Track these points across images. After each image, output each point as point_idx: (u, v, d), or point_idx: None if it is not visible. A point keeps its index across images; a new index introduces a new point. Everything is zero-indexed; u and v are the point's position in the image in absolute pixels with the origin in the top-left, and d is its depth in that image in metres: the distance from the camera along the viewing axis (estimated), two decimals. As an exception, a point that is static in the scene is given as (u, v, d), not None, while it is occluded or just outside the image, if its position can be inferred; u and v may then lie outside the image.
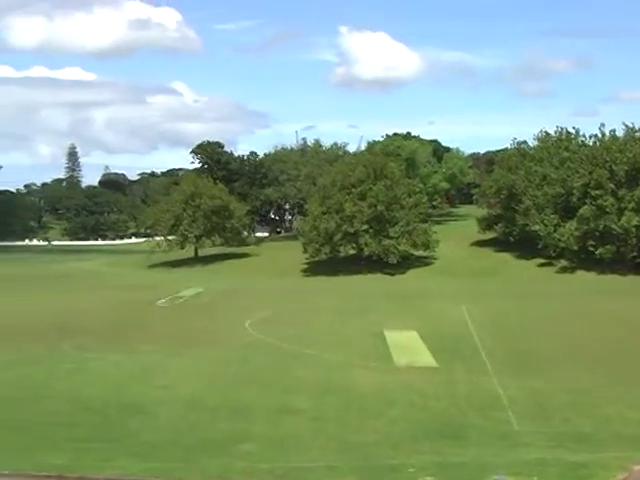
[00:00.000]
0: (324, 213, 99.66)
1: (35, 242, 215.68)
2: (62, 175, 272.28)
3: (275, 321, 57.07)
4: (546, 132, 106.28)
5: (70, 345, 46.31)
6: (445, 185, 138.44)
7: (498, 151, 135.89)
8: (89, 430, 27.94)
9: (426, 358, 41.60)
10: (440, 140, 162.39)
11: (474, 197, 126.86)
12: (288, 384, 35.41)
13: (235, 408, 31.00)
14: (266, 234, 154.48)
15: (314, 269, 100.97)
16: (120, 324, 56.43)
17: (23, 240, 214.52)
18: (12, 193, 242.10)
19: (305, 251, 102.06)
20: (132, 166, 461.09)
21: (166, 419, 29.59)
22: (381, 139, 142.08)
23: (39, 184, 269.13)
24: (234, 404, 31.67)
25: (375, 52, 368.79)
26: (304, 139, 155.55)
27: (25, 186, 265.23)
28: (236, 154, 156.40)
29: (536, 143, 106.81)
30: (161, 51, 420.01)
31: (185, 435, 27.27)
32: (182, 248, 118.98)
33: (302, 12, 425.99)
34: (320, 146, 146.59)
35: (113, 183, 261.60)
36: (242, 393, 33.63)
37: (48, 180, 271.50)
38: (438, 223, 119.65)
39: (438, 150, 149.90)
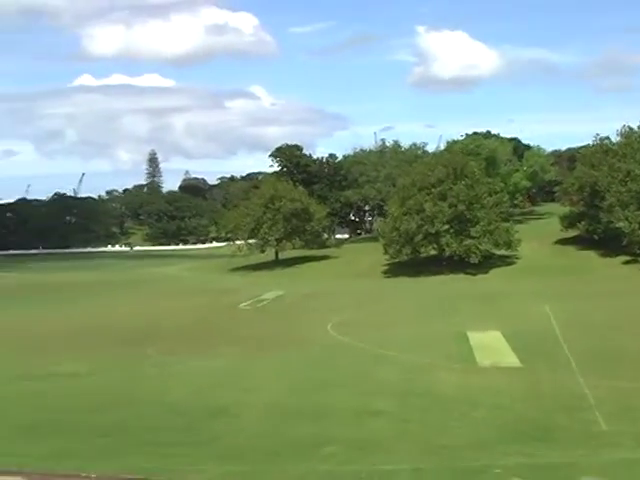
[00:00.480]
0: (404, 214, 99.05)
1: (117, 248, 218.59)
2: (143, 181, 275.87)
3: (357, 323, 56.93)
4: (629, 127, 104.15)
5: (154, 350, 46.75)
6: (526, 183, 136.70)
7: (580, 148, 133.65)
8: (174, 434, 28.13)
9: (510, 358, 41.06)
10: (520, 138, 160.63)
11: (556, 195, 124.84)
12: (371, 386, 35.24)
13: (318, 411, 30.93)
14: (346, 236, 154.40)
15: (395, 270, 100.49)
16: (203, 328, 56.83)
17: (105, 246, 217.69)
18: (94, 200, 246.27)
19: (385, 252, 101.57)
20: (211, 171, 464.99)
21: (249, 422, 29.65)
22: (460, 138, 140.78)
23: (121, 190, 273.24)
24: (316, 407, 31.60)
25: (453, 51, 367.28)
26: (383, 140, 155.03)
27: (107, 192, 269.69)
28: (315, 157, 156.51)
29: (619, 139, 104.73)
30: (238, 56, 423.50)
31: (268, 438, 27.27)
32: (262, 252, 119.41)
33: (378, 13, 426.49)
34: (399, 147, 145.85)
35: (193, 188, 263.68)
36: (324, 396, 33.53)
37: (129, 186, 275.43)
38: (520, 222, 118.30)
39: (518, 148, 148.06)
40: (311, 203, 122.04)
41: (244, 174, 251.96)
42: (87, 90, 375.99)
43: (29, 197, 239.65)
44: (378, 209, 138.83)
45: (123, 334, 53.74)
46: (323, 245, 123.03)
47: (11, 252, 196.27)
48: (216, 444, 26.71)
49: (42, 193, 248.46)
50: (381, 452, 25.15)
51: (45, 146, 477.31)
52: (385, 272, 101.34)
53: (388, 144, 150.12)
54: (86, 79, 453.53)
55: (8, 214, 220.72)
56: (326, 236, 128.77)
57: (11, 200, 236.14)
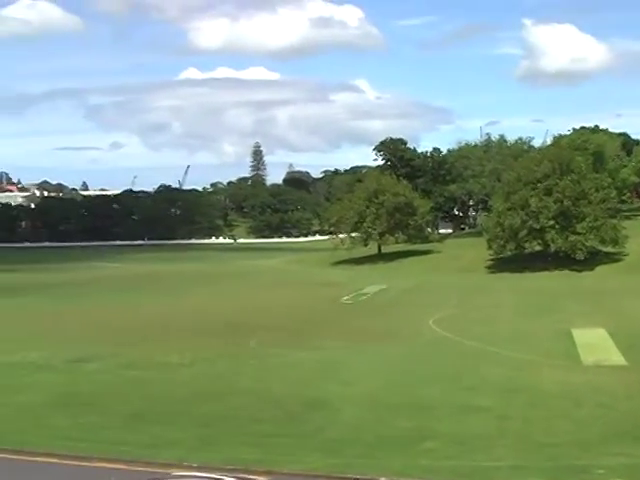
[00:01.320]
0: (509, 209, 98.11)
1: (221, 240, 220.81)
2: (247, 174, 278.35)
3: (459, 318, 56.53)
4: None
5: (256, 341, 47.09)
6: (635, 179, 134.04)
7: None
8: (274, 425, 28.25)
9: (615, 357, 40.25)
10: (629, 133, 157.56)
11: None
12: (472, 382, 34.91)
13: (418, 405, 30.75)
14: (450, 231, 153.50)
15: (499, 266, 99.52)
16: (305, 321, 57.05)
17: (209, 238, 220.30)
18: (199, 192, 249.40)
19: (489, 247, 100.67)
20: (315, 164, 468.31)
21: (349, 415, 29.62)
22: (567, 133, 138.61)
23: (225, 183, 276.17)
24: (417, 401, 31.42)
25: (561, 44, 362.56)
26: (488, 134, 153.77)
27: (212, 185, 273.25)
28: (419, 151, 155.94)
29: None
30: (343, 49, 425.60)
31: (367, 432, 27.20)
32: (365, 245, 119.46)
33: (484, 5, 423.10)
34: (504, 141, 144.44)
35: (297, 181, 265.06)
36: (425, 390, 33.33)
37: (234, 179, 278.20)
38: (627, 218, 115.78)
39: (627, 143, 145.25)
40: (415, 197, 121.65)
41: (348, 167, 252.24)
42: (193, 83, 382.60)
43: (135, 189, 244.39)
44: (482, 204, 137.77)
45: (226, 325, 54.30)
46: (426, 240, 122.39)
47: (117, 243, 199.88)
48: (316, 436, 26.75)
49: (148, 185, 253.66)
50: (481, 448, 24.88)
51: (151, 138, 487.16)
52: (489, 267, 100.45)
53: (493, 138, 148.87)
54: (192, 72, 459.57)
55: (114, 205, 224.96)
56: (429, 230, 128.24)
57: (117, 191, 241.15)
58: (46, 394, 33.84)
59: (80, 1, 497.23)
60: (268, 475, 22.90)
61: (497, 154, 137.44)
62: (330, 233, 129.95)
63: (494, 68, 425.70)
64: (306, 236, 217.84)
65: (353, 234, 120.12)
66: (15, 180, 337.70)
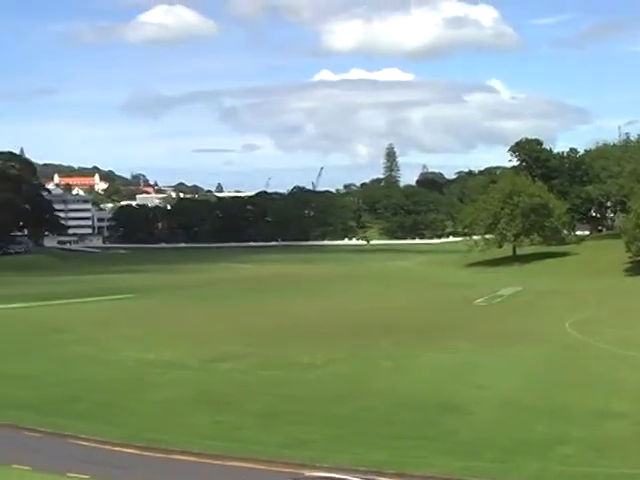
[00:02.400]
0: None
1: (354, 241, 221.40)
2: (380, 175, 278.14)
3: (596, 322, 55.32)
4: None
5: (389, 342, 47.00)
6: None
7: None
8: (406, 427, 28.15)
9: None
10: None
11: None
12: (610, 387, 34.16)
13: (553, 410, 30.22)
14: (587, 232, 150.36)
15: (638, 268, 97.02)
16: (438, 322, 56.75)
17: (342, 239, 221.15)
18: (332, 193, 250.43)
19: (628, 250, 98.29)
20: (449, 165, 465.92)
21: (482, 418, 29.31)
22: None
23: (358, 184, 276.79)
24: (552, 406, 30.87)
25: None
26: (627, 134, 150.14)
27: (345, 186, 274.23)
28: (555, 151, 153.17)
29: None
30: (477, 49, 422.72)
31: (501, 435, 26.87)
32: (500, 247, 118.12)
33: (622, 2, 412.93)
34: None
35: (430, 182, 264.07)
36: (561, 394, 32.73)
37: (367, 180, 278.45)
38: None
39: None
40: (550, 198, 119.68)
41: (482, 168, 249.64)
42: (327, 85, 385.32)
43: (269, 190, 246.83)
44: (620, 205, 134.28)
45: (359, 326, 54.39)
46: (562, 241, 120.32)
47: (250, 244, 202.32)
48: (449, 439, 26.54)
49: (281, 186, 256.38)
50: (618, 455, 24.31)
51: (285, 140, 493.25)
52: (627, 270, 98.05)
53: (633, 138, 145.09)
54: (326, 74, 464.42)
55: (248, 207, 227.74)
56: (566, 232, 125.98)
57: (251, 193, 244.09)
58: (182, 392, 34.49)
59: (216, 5, 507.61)
60: (400, 477, 22.87)
61: (636, 154, 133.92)
62: (464, 235, 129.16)
63: (633, 66, 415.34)
64: (439, 238, 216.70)
65: (487, 236, 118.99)
66: (152, 182, 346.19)
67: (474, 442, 26.10)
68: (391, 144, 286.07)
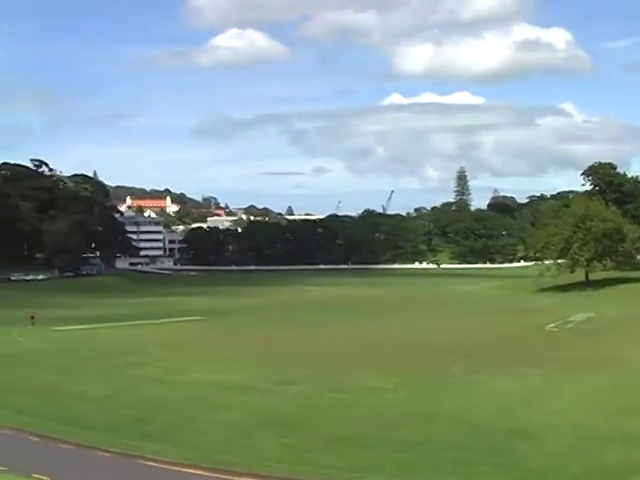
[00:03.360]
0: None
1: (424, 265, 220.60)
2: (451, 198, 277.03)
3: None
4: None
5: (458, 367, 46.59)
6: None
7: None
8: (476, 453, 27.85)
9: None
10: None
11: None
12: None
13: (626, 437, 29.62)
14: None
15: None
16: (508, 347, 56.17)
17: (413, 263, 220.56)
18: (403, 217, 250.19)
19: None
20: (520, 189, 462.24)
21: (553, 445, 28.87)
22: None
23: (429, 207, 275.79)
24: (626, 432, 30.27)
25: None
26: None
27: (415, 210, 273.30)
28: (629, 175, 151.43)
29: None
30: (549, 72, 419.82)
31: (572, 463, 26.44)
32: (572, 272, 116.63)
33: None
34: None
35: (501, 206, 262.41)
36: (633, 422, 32.06)
37: (437, 203, 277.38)
38: None
39: None
40: (624, 223, 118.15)
41: (554, 192, 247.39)
42: (397, 108, 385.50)
43: (339, 213, 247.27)
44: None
45: (428, 351, 54.09)
46: (636, 267, 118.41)
47: (320, 267, 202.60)
48: (519, 466, 26.20)
49: (352, 209, 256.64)
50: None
51: (355, 163, 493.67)
52: None
53: None
54: (396, 98, 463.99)
55: (319, 229, 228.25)
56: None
57: (322, 216, 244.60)
58: (251, 414, 34.55)
59: (286, 28, 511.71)
60: (469, 504, 22.60)
61: None
62: (535, 259, 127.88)
63: None
64: (510, 262, 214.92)
65: (559, 260, 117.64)
66: (223, 204, 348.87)
67: (545, 470, 25.75)
68: (462, 167, 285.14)
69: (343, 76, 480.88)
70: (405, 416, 34.02)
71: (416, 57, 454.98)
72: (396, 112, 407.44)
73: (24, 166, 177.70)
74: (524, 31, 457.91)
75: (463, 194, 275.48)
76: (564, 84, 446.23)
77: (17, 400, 38.57)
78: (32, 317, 73.28)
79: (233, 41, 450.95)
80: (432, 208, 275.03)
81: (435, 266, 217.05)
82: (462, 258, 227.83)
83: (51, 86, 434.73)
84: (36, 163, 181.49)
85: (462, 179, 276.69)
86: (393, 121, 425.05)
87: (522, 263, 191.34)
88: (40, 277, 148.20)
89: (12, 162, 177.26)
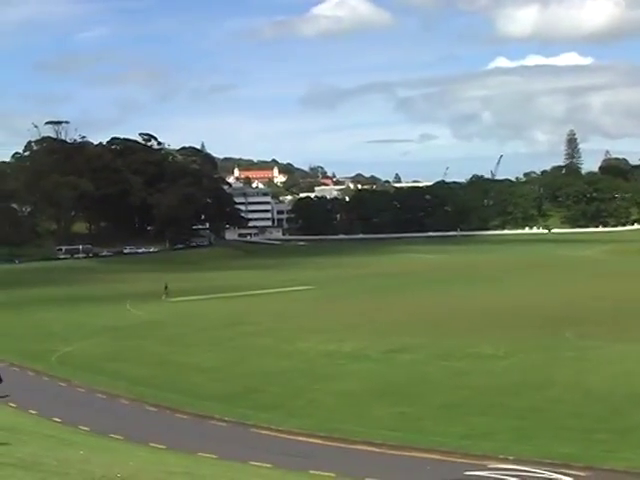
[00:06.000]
0: None
1: (535, 230, 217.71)
2: (561, 162, 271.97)
3: None
4: None
5: (573, 333, 45.78)
6: None
7: None
8: (593, 420, 27.29)
9: None
10: None
11: None
12: None
13: None
14: None
15: None
16: (625, 312, 54.74)
17: (522, 228, 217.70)
18: (512, 182, 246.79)
19: None
20: (633, 150, 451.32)
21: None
22: None
23: (538, 172, 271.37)
24: None
25: None
26: None
27: (524, 174, 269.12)
28: None
29: None
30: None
31: None
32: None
33: None
34: None
35: (614, 168, 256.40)
36: None
37: (547, 168, 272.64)
38: None
39: None
40: None
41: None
42: (503, 72, 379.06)
43: (447, 180, 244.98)
44: None
45: (541, 317, 53.22)
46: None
47: (429, 234, 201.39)
48: (638, 432, 25.54)
49: (460, 176, 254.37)
50: None
51: (462, 129, 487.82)
52: None
53: None
54: (501, 61, 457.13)
55: (427, 196, 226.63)
56: None
57: (429, 183, 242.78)
58: (363, 383, 34.53)
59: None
60: (588, 471, 22.12)
61: None
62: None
63: None
64: (624, 225, 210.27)
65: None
66: (330, 174, 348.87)
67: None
68: (572, 130, 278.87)
69: (447, 42, 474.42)
70: (518, 383, 33.57)
71: (521, 19, 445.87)
72: (502, 76, 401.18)
73: (134, 140, 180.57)
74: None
75: (573, 157, 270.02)
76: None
77: (132, 371, 39.33)
78: (165, 287, 74.66)
79: (335, 10, 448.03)
80: (542, 172, 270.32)
81: (546, 231, 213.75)
82: (573, 222, 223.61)
83: (157, 60, 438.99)
84: (145, 137, 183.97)
85: (572, 142, 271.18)
86: (499, 85, 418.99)
87: (636, 226, 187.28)
88: (151, 250, 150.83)
89: (122, 137, 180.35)
